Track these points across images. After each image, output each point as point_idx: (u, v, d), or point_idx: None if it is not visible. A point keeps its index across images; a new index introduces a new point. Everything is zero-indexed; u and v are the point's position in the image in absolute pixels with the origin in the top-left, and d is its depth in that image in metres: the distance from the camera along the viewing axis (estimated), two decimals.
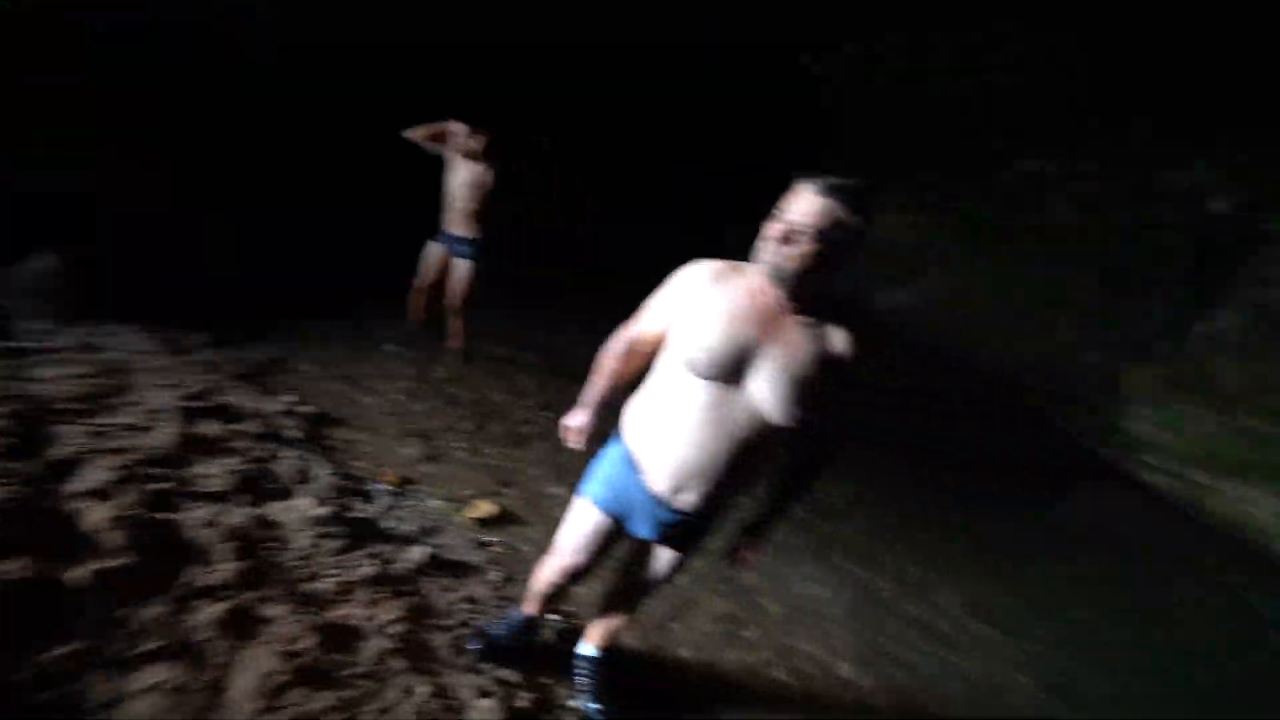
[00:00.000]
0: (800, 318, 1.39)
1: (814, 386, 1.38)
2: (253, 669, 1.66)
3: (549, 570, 1.80)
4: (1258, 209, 5.95)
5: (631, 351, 1.59)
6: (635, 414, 1.59)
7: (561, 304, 5.18)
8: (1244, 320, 6.26)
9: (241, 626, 1.76)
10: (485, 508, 2.71)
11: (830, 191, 1.27)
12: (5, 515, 1.72)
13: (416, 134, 3.44)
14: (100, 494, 1.94)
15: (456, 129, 3.42)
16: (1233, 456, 5.83)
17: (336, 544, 2.20)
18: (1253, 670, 3.59)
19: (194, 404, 2.60)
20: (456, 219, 3.61)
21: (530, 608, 2.00)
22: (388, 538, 2.37)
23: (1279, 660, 3.77)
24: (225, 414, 2.66)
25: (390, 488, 2.69)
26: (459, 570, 2.35)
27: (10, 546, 1.65)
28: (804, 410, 1.38)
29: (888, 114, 8.73)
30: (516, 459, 3.16)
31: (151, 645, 1.61)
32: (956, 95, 8.12)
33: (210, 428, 2.52)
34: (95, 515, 1.84)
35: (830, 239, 1.28)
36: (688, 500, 1.50)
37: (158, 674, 1.55)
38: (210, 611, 1.75)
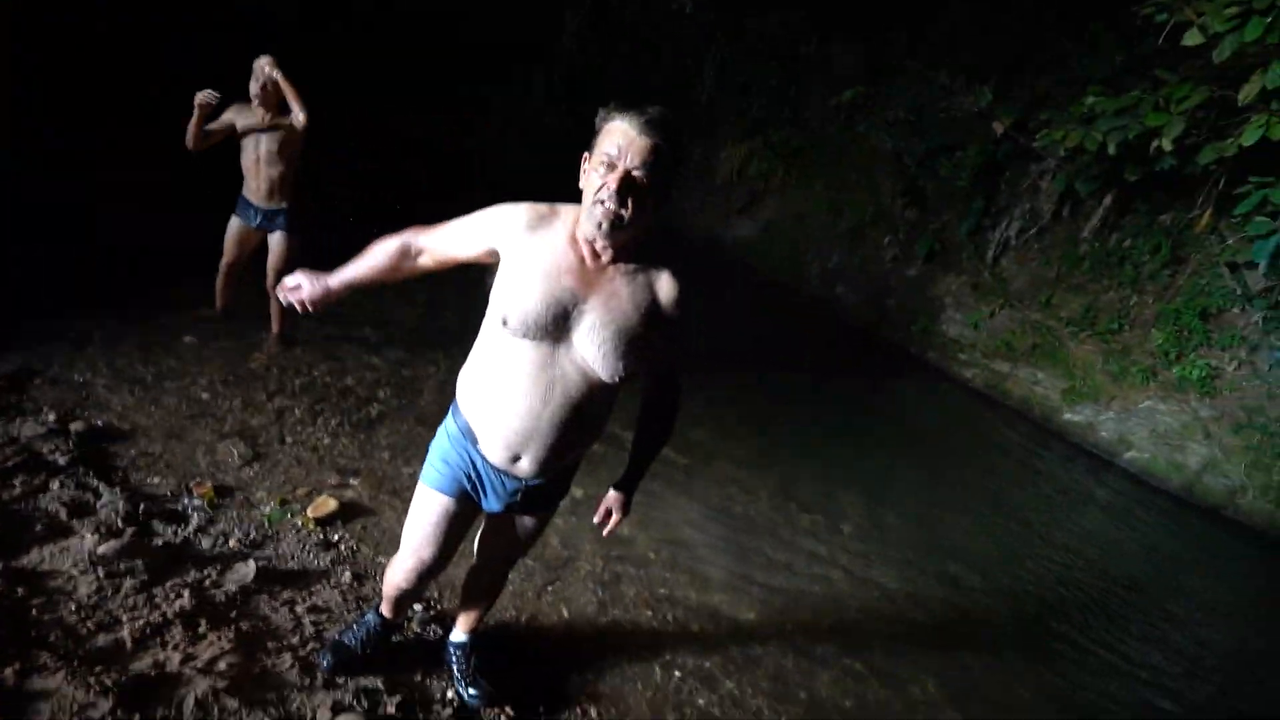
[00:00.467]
0: (622, 265, 1.30)
1: (641, 338, 1.31)
2: None
3: (400, 571, 1.61)
4: (1024, 130, 6.79)
5: (405, 254, 1.47)
6: (466, 382, 1.45)
7: None
8: (1022, 225, 7.22)
9: (7, 713, 1.41)
10: (326, 504, 2.43)
11: (648, 123, 1.18)
12: None
13: (193, 136, 2.94)
14: None
15: (261, 70, 2.97)
16: (1022, 345, 6.81)
17: (135, 581, 1.85)
18: (1041, 501, 4.29)
19: None
20: (259, 188, 3.16)
21: (387, 610, 1.82)
22: (205, 560, 2.03)
23: (1058, 492, 4.55)
24: None
25: (205, 501, 2.31)
26: (300, 580, 2.08)
27: None
28: (633, 363, 1.32)
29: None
30: (361, 445, 2.86)
31: None
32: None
33: None
34: None
35: (655, 171, 1.19)
36: (528, 467, 1.41)
37: None
38: None
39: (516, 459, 1.40)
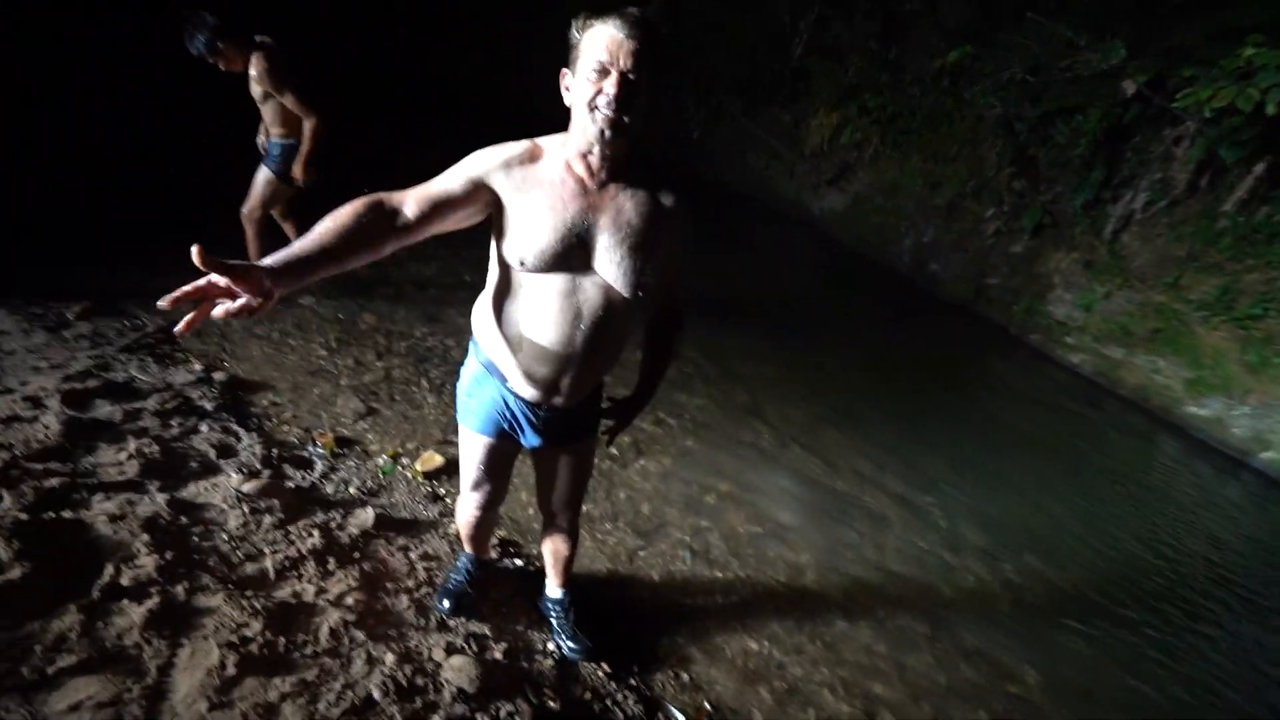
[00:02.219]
0: (621, 181, 1.30)
1: (655, 250, 1.32)
2: (196, 666, 1.52)
3: (466, 508, 1.78)
4: (1161, 89, 6.10)
5: (379, 215, 1.15)
6: (483, 322, 1.47)
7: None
8: (1150, 197, 6.56)
9: (175, 623, 1.60)
10: (433, 459, 2.57)
11: (634, 24, 1.16)
12: None
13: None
14: None
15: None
16: (1141, 329, 6.25)
17: (274, 518, 2.03)
18: (1157, 496, 3.97)
19: (81, 385, 2.30)
20: (262, 129, 3.29)
21: (471, 548, 1.96)
22: (331, 504, 2.21)
23: (1177, 489, 4.19)
24: (121, 392, 2.36)
25: (327, 450, 2.50)
26: (412, 528, 2.23)
27: None
28: (653, 277, 1.33)
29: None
30: None
31: (69, 660, 1.45)
32: None
33: (105, 410, 2.24)
34: None
35: (646, 70, 1.18)
36: (561, 397, 1.45)
37: (83, 689, 1.40)
38: (135, 613, 1.58)
39: (549, 390, 1.43)
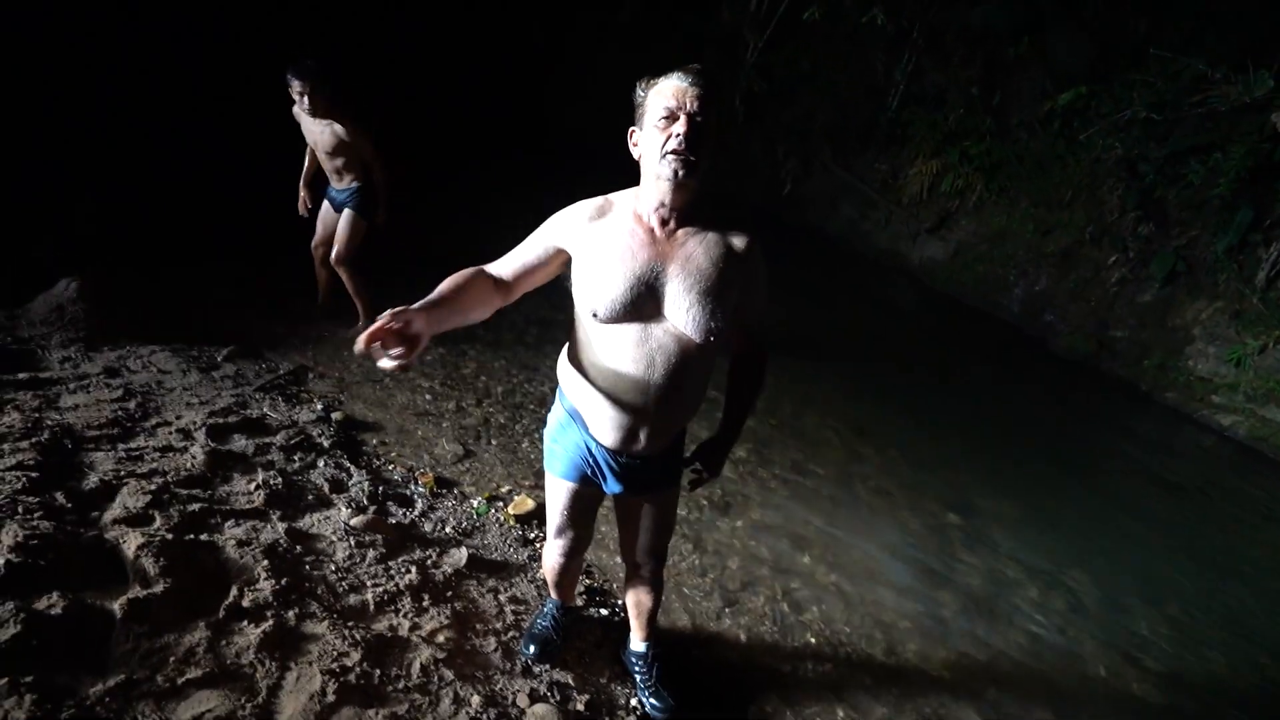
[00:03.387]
0: (689, 229, 1.34)
1: (726, 293, 1.34)
2: (300, 690, 1.61)
3: (550, 553, 1.80)
4: None
5: (485, 284, 1.32)
6: (566, 371, 1.51)
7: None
8: None
9: (285, 646, 1.70)
10: (525, 503, 2.63)
11: (696, 74, 1.25)
12: (39, 549, 1.68)
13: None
14: (134, 520, 1.91)
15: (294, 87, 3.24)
16: None
17: (376, 553, 2.14)
18: None
19: (223, 420, 2.57)
20: (330, 173, 3.56)
21: (556, 594, 1.97)
22: (428, 542, 2.30)
23: None
24: (255, 428, 2.62)
25: (427, 490, 2.62)
26: (503, 570, 2.27)
27: (45, 580, 1.62)
28: (724, 321, 1.35)
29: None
30: None
31: (196, 672, 1.57)
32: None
33: (240, 443, 2.48)
34: (130, 542, 1.81)
35: (712, 114, 1.24)
36: (642, 445, 1.45)
37: (204, 702, 1.51)
38: (252, 633, 1.70)
39: (629, 438, 1.44)
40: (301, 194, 3.76)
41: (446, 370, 3.53)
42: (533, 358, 3.87)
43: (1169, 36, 6.63)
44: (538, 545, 2.46)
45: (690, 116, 1.22)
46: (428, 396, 3.26)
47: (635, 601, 1.90)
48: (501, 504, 2.63)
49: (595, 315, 1.33)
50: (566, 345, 1.53)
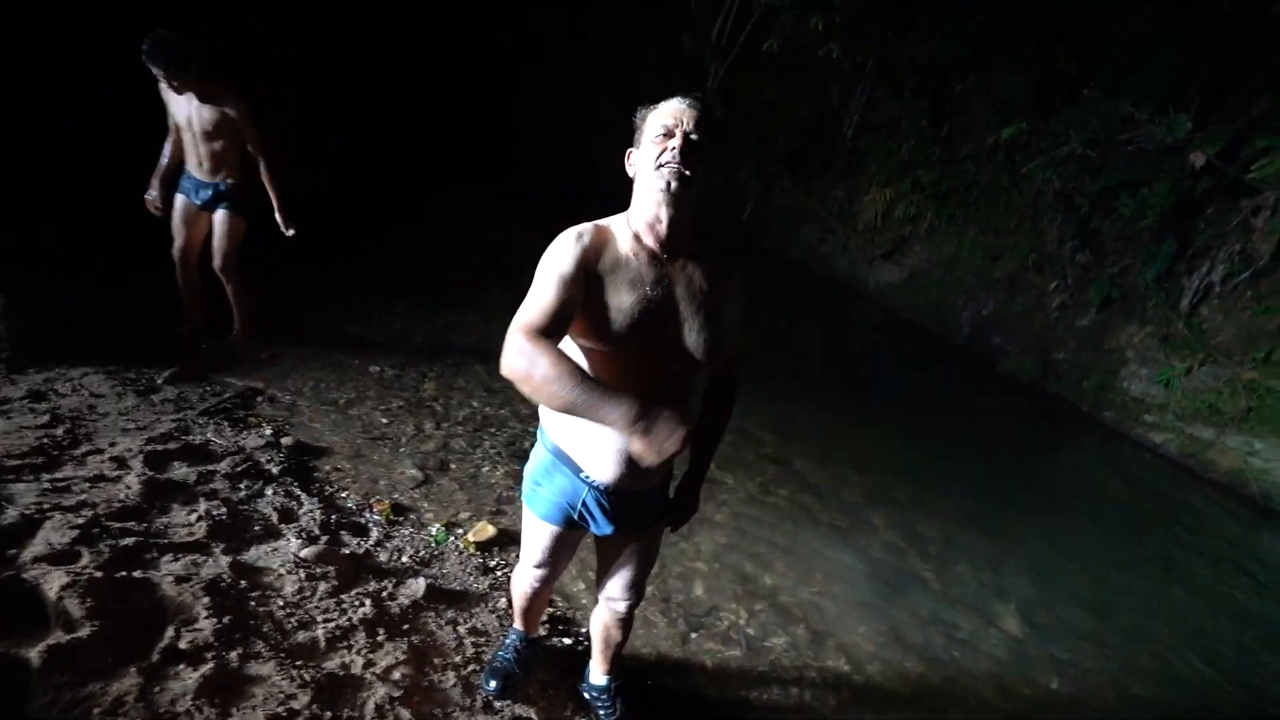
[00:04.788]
0: (685, 253, 1.34)
1: (725, 317, 1.37)
2: None
3: (522, 580, 1.75)
4: (1233, 160, 5.92)
5: (550, 342, 1.19)
6: (555, 412, 1.35)
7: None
8: (1229, 269, 6.25)
9: (227, 690, 1.59)
10: (486, 529, 2.56)
11: (694, 98, 1.29)
12: None
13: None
14: (57, 558, 1.77)
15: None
16: (1231, 408, 5.81)
17: (328, 585, 2.04)
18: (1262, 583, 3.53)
19: (162, 447, 2.42)
20: (202, 163, 3.12)
21: (521, 623, 1.91)
22: (384, 573, 2.21)
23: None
24: (197, 454, 2.47)
25: (383, 517, 2.52)
26: (462, 600, 2.19)
27: None
28: (725, 344, 1.38)
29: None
30: (515, 474, 3.00)
31: None
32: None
33: (180, 471, 2.34)
34: (53, 583, 1.67)
35: (707, 134, 1.27)
36: (645, 479, 1.43)
37: None
38: (190, 678, 1.58)
39: (630, 473, 1.39)
40: (154, 191, 3.18)
41: (405, 393, 3.43)
42: (494, 381, 3.79)
43: (1101, 77, 7.07)
44: (499, 574, 2.39)
45: (686, 135, 1.25)
46: (384, 420, 3.15)
47: (604, 636, 1.85)
48: (461, 531, 2.55)
49: (607, 342, 1.28)
50: None
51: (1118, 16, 7.03)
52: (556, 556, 1.65)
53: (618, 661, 1.91)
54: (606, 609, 1.78)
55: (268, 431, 2.79)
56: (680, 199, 1.26)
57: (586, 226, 1.32)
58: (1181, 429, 6.00)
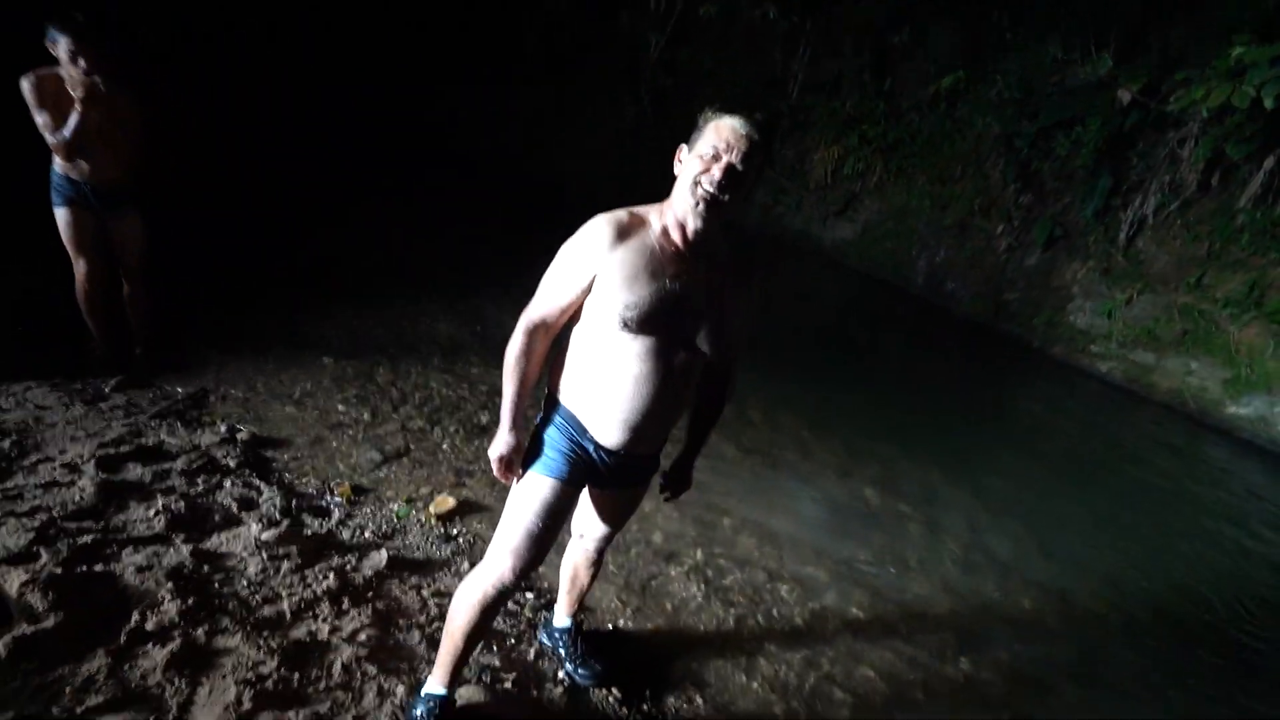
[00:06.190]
0: (709, 247, 1.42)
1: (738, 313, 1.48)
2: (214, 702, 1.58)
3: (476, 590, 1.52)
4: (1156, 94, 6.12)
5: (541, 339, 1.48)
6: (571, 379, 1.51)
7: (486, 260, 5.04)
8: (1160, 200, 6.50)
9: (195, 664, 1.67)
10: (446, 501, 2.64)
11: (755, 124, 1.33)
12: None
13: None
14: (15, 559, 1.82)
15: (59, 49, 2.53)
16: (1169, 333, 6.08)
17: (291, 564, 2.11)
18: (1209, 503, 3.79)
19: (114, 451, 2.45)
20: (99, 163, 2.78)
21: (442, 675, 1.73)
22: (346, 549, 2.28)
23: (1229, 494, 3.99)
24: (151, 455, 2.51)
25: (344, 499, 2.59)
26: (425, 567, 2.28)
27: None
28: (736, 337, 1.49)
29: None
30: (474, 449, 3.08)
31: (97, 699, 1.52)
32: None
33: (135, 472, 2.38)
34: (12, 580, 1.72)
35: (752, 165, 1.33)
36: (644, 446, 1.53)
37: None
38: (158, 654, 1.66)
39: (635, 440, 1.49)
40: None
41: (360, 380, 3.47)
42: (449, 363, 3.84)
43: (1028, 25, 7.22)
44: (460, 540, 2.48)
45: (730, 165, 1.31)
46: (341, 408, 3.20)
47: (572, 576, 1.94)
48: (422, 505, 2.63)
49: (626, 325, 1.36)
50: (570, 356, 1.50)
51: None
52: (552, 525, 1.51)
53: (581, 603, 2.02)
54: (579, 548, 1.87)
55: (222, 428, 2.83)
56: (709, 218, 1.35)
57: (618, 216, 1.40)
58: (1125, 356, 6.28)
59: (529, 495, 1.51)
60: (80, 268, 2.92)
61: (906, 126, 8.20)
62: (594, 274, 1.38)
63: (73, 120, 2.61)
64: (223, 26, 8.33)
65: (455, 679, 1.63)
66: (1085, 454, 4.66)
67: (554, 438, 1.53)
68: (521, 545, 1.49)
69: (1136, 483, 4.26)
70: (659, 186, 1.47)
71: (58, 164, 2.76)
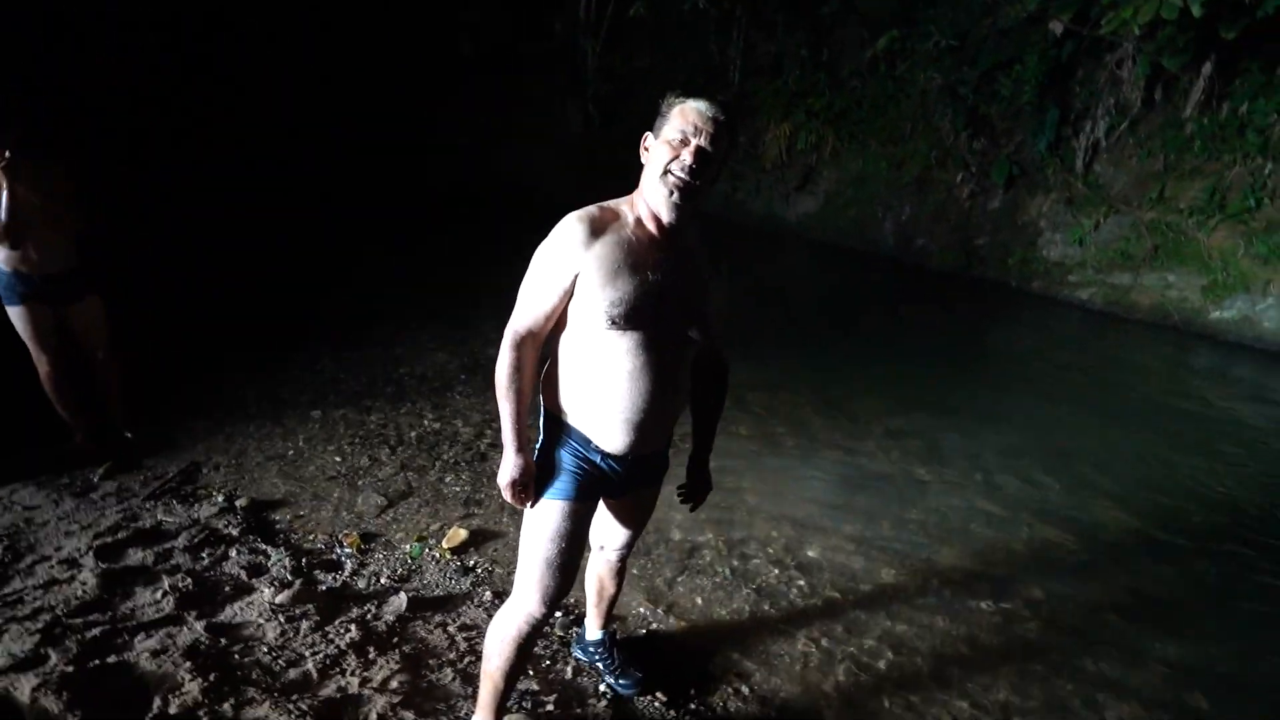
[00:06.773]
0: (682, 234, 1.40)
1: (714, 296, 1.50)
2: None
3: (509, 625, 1.51)
4: (1086, 20, 6.21)
5: (530, 351, 1.41)
6: (566, 390, 1.45)
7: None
8: (1110, 123, 6.59)
9: None
10: (457, 535, 2.59)
11: (721, 106, 1.32)
12: None
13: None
14: (23, 664, 1.75)
15: None
16: (1140, 250, 6.17)
17: (310, 622, 2.05)
18: (1210, 413, 3.82)
19: (111, 539, 2.38)
20: (43, 250, 2.68)
21: (498, 698, 1.71)
22: (364, 598, 2.23)
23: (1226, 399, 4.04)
24: (150, 537, 2.44)
25: (354, 549, 2.53)
26: (447, 604, 2.23)
27: None
28: (718, 321, 1.51)
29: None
30: (477, 477, 3.04)
31: None
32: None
33: (137, 556, 2.31)
34: (23, 687, 1.65)
35: (721, 147, 1.32)
36: (650, 444, 1.49)
37: None
38: None
39: (639, 440, 1.44)
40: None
41: (352, 428, 3.41)
42: (439, 396, 3.79)
43: None
44: (479, 571, 2.43)
45: (700, 149, 1.29)
46: (337, 459, 3.14)
47: (599, 589, 1.90)
48: (434, 542, 2.58)
49: (611, 321, 1.33)
50: (562, 366, 1.45)
51: None
52: (574, 546, 1.49)
53: (611, 614, 1.98)
54: (601, 559, 1.83)
55: (220, 499, 2.76)
56: (682, 206, 1.33)
57: (592, 209, 1.37)
58: (1102, 280, 6.35)
59: (543, 523, 1.48)
60: (43, 364, 2.83)
61: (851, 94, 8.28)
62: (575, 273, 1.33)
63: (4, 200, 2.51)
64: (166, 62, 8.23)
65: (500, 717, 1.60)
66: (1080, 383, 4.70)
67: (559, 457, 1.48)
68: (545, 576, 1.47)
69: (1138, 402, 4.30)
70: (619, 187, 1.45)
71: (4, 261, 2.67)
